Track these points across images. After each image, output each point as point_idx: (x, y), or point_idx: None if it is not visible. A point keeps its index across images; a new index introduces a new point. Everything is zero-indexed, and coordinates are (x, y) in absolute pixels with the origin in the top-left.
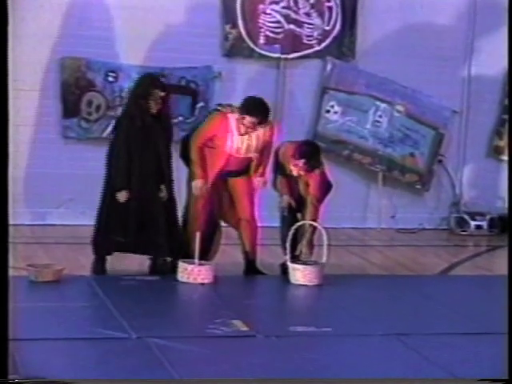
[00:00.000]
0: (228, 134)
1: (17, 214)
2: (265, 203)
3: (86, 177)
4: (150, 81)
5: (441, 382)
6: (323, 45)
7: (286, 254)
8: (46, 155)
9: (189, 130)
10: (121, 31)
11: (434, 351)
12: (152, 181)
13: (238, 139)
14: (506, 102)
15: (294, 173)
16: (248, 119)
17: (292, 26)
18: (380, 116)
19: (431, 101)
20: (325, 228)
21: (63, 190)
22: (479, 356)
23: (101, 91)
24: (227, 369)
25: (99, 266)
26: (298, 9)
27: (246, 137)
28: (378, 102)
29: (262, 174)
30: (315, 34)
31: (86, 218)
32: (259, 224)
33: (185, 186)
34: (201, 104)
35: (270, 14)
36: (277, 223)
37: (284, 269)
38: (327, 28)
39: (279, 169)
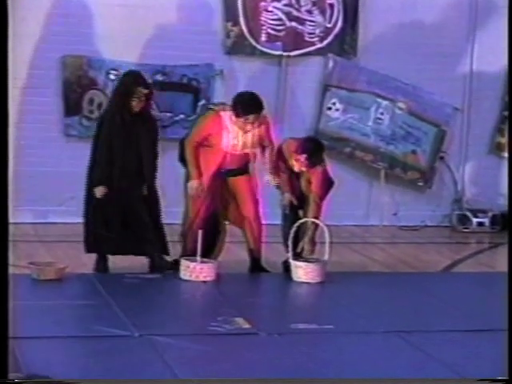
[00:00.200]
0: (223, 132)
1: (18, 213)
2: (266, 201)
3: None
4: (132, 78)
5: (441, 381)
6: (325, 42)
7: (288, 252)
8: (47, 153)
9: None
10: (122, 29)
11: (436, 348)
12: (134, 179)
13: (233, 136)
14: (507, 98)
15: (296, 168)
16: (242, 120)
17: (294, 24)
18: (382, 113)
19: (433, 98)
20: (327, 225)
21: (65, 188)
22: (481, 353)
23: (102, 89)
24: (229, 366)
25: (101, 264)
26: (300, 6)
27: (241, 133)
28: (379, 100)
29: (272, 172)
30: (317, 31)
31: None
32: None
33: (170, 185)
34: (202, 102)
35: (271, 11)
36: (279, 221)
37: (286, 266)
38: (329, 25)
39: (281, 166)
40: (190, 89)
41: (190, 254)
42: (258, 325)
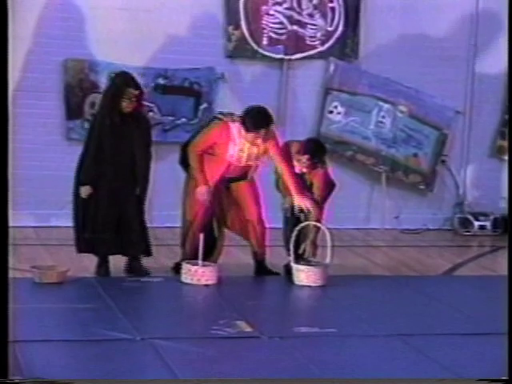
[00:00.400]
0: (230, 143)
1: (21, 216)
2: (268, 204)
3: None
4: (122, 79)
5: (440, 381)
6: (326, 46)
7: (289, 255)
8: (49, 157)
9: (192, 132)
10: (124, 33)
11: (438, 352)
12: (125, 180)
13: (239, 148)
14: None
15: (297, 169)
16: (252, 134)
17: (295, 27)
18: (383, 116)
19: (434, 101)
20: (328, 229)
21: (67, 191)
22: (484, 357)
23: None
24: (231, 370)
25: (103, 268)
26: (301, 10)
27: (248, 145)
28: (381, 103)
29: (299, 195)
30: (318, 34)
31: None
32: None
33: (171, 189)
34: (204, 105)
35: (273, 15)
36: (280, 224)
37: (288, 270)
38: (330, 29)
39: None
40: (192, 92)
41: (189, 257)
42: (260, 328)
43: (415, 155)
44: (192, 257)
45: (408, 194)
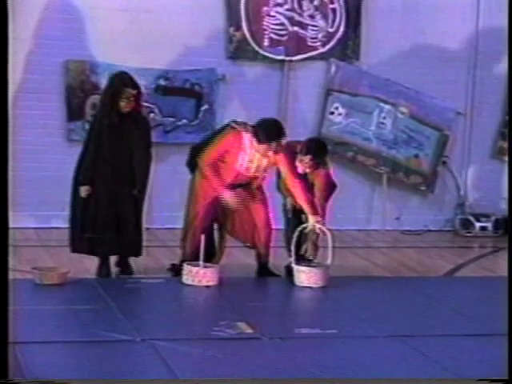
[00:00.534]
0: (240, 153)
1: (21, 218)
2: (270, 206)
3: None
4: (120, 79)
5: (440, 381)
6: (327, 47)
7: (290, 256)
8: (50, 158)
9: (193, 133)
10: (125, 34)
11: (439, 353)
12: (123, 180)
13: (249, 159)
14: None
15: (300, 170)
16: (265, 146)
17: (296, 28)
18: (384, 118)
19: (435, 102)
20: (329, 230)
21: (67, 193)
22: (484, 357)
23: None
24: (232, 371)
25: (104, 269)
26: (302, 11)
27: (258, 156)
28: (381, 104)
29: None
30: (319, 36)
31: None
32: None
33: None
34: (205, 107)
35: (274, 16)
36: (281, 225)
37: (289, 271)
38: (331, 30)
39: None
40: (193, 94)
41: (188, 259)
42: (261, 329)
43: (416, 156)
44: (191, 258)
45: (409, 195)
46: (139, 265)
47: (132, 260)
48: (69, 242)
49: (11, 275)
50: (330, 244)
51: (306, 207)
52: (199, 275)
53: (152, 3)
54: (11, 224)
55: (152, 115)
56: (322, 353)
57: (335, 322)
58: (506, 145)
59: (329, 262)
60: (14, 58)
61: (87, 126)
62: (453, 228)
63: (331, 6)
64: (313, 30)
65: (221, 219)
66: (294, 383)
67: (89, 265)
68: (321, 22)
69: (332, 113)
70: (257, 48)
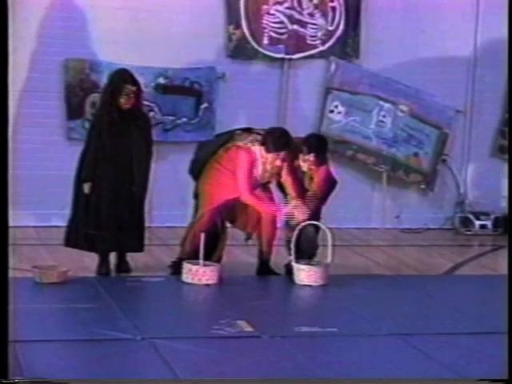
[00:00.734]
0: (256, 166)
1: (21, 216)
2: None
3: None
4: (120, 76)
5: (440, 381)
6: (327, 45)
7: (290, 255)
8: (50, 157)
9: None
10: (124, 32)
11: (439, 351)
12: (124, 177)
13: (263, 169)
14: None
15: (304, 168)
16: (273, 155)
17: (296, 27)
18: (384, 116)
19: (435, 100)
20: (329, 228)
21: (67, 191)
22: (484, 356)
23: None
24: (232, 370)
25: (104, 268)
26: (302, 9)
27: (268, 166)
28: (381, 102)
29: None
30: (319, 34)
31: None
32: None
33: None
34: (205, 105)
35: (273, 14)
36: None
37: (289, 269)
38: (331, 28)
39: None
40: (193, 92)
41: (187, 256)
42: (261, 328)
43: (416, 154)
44: (191, 256)
45: (409, 193)
46: (139, 263)
47: (131, 258)
48: (64, 236)
49: (11, 274)
50: (329, 242)
51: (292, 192)
52: (199, 274)
53: (152, 2)
54: (11, 222)
55: (152, 114)
56: (322, 351)
57: (335, 320)
58: (505, 143)
59: (329, 260)
60: (17, 57)
61: (87, 125)
62: (452, 226)
63: (331, 4)
64: (312, 29)
65: (227, 211)
66: (295, 383)
67: (89, 263)
68: (320, 20)
69: (332, 111)
70: (256, 46)
